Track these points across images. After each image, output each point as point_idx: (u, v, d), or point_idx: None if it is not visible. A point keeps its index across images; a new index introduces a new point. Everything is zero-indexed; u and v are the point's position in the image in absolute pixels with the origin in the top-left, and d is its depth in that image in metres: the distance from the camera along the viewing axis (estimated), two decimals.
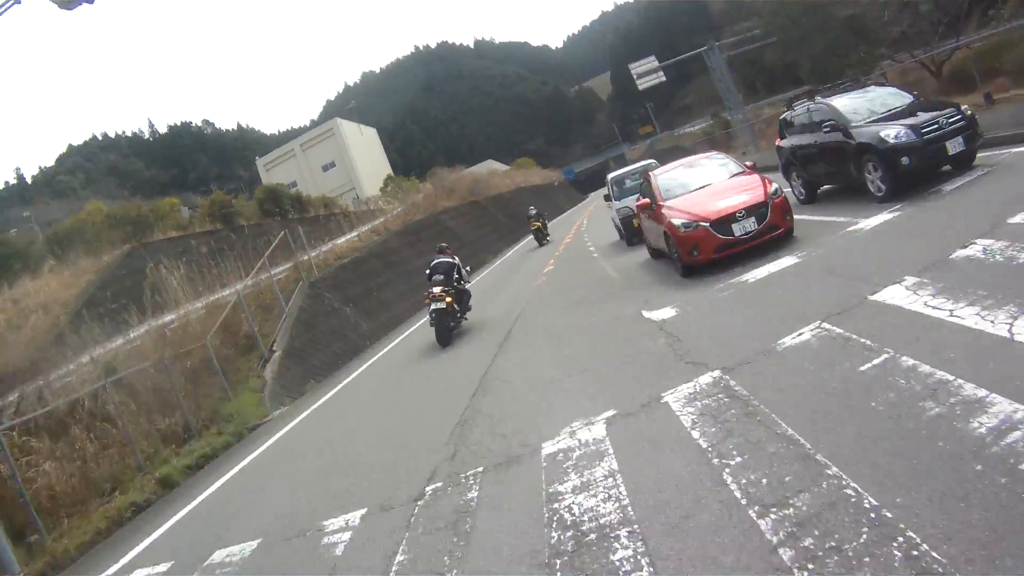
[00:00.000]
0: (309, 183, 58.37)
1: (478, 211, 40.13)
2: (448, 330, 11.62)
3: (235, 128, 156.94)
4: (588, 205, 61.52)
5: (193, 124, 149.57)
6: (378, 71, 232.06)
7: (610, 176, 17.29)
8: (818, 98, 11.37)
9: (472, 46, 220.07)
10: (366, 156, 69.34)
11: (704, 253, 8.95)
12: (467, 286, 12.80)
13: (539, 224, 30.10)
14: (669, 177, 11.02)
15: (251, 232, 24.94)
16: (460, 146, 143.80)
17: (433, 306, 11.40)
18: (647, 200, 10.92)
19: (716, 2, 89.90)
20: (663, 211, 9.90)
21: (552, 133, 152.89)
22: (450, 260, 12.44)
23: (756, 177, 9.76)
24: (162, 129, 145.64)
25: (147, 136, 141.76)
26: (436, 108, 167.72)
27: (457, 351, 11.35)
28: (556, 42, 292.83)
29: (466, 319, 12.72)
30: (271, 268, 18.49)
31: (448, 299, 11.45)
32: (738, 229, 8.84)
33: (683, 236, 9.10)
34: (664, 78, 39.25)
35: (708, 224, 8.91)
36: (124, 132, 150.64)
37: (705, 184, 10.22)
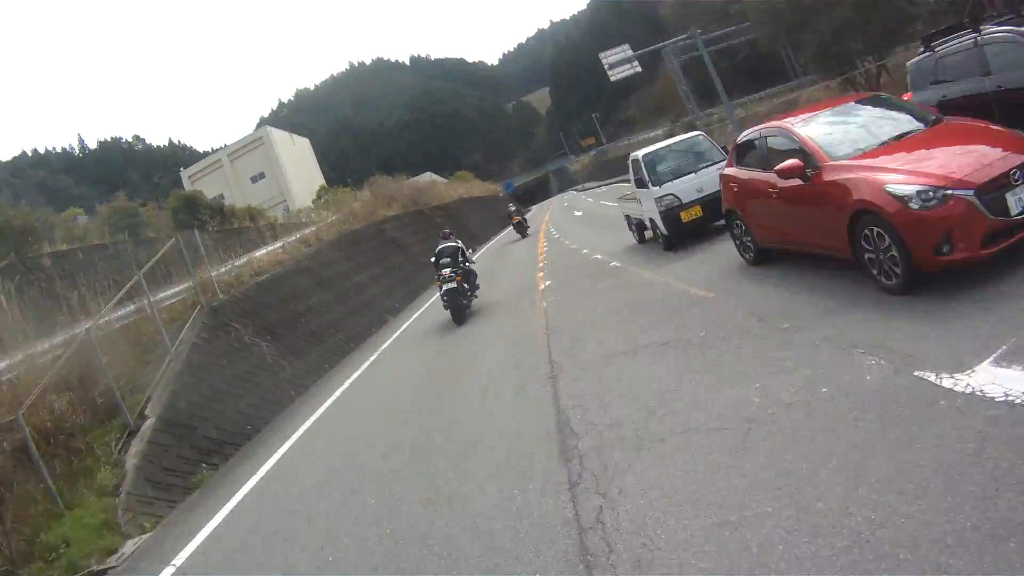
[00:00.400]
0: (237, 195, 52.21)
1: (423, 221, 35.39)
2: (461, 308, 12.06)
3: (167, 144, 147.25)
4: (540, 211, 57.07)
5: (124, 140, 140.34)
6: (312, 87, 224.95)
7: (639, 155, 12.46)
8: (992, 27, 7.28)
9: (408, 63, 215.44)
10: (298, 167, 63.37)
11: (967, 247, 4.69)
12: (472, 267, 13.19)
13: (519, 219, 34.08)
14: (825, 126, 6.45)
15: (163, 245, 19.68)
16: (395, 161, 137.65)
17: (445, 287, 11.98)
18: (794, 163, 6.10)
19: (665, 9, 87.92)
20: (851, 176, 5.44)
21: (490, 148, 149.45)
22: (454, 244, 13.03)
23: (980, 123, 5.46)
24: (92, 145, 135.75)
25: (77, 152, 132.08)
26: (371, 123, 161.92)
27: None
28: (492, 59, 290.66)
29: (476, 296, 13.03)
30: (159, 289, 13.25)
31: (457, 278, 11.86)
32: (1015, 204, 4.39)
33: (921, 217, 4.76)
34: (639, 68, 35.46)
35: (971, 193, 4.58)
36: (54, 148, 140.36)
37: (900, 134, 5.76)
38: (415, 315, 17.97)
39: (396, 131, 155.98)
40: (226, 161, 60.76)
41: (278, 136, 62.40)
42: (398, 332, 15.86)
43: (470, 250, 11.89)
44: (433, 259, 12.91)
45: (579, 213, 34.36)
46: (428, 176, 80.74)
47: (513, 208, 35.68)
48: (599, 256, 14.84)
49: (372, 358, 13.29)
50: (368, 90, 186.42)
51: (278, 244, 20.68)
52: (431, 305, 17.37)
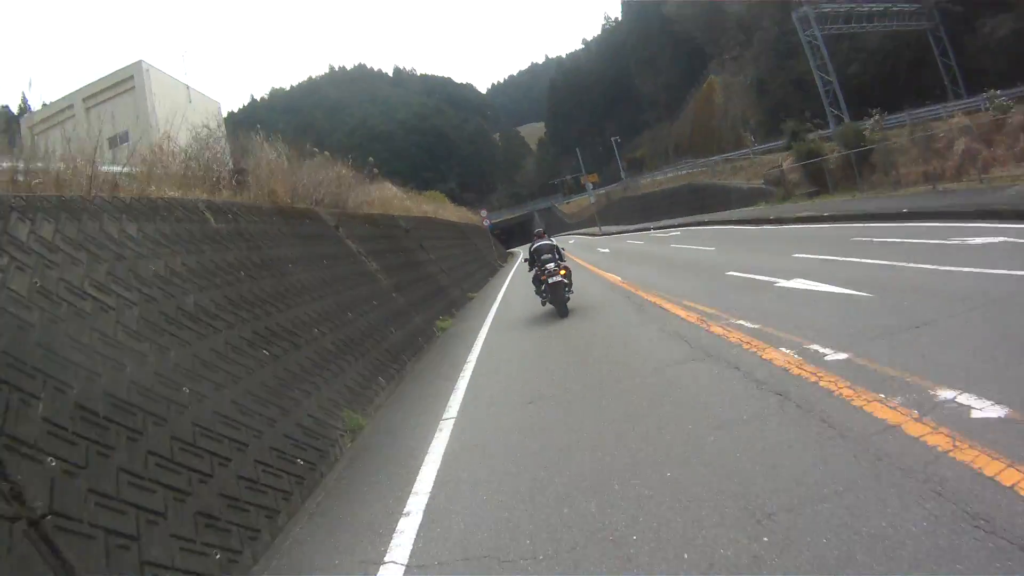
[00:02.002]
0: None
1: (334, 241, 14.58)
2: (564, 301, 11.79)
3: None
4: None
5: None
6: (288, 88, 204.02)
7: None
8: None
9: (390, 74, 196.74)
10: (189, 134, 41.90)
11: None
12: (568, 264, 12.42)
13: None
14: None
15: None
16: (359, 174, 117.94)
17: (551, 280, 11.82)
18: None
19: (700, 35, 70.15)
20: None
21: (468, 176, 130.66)
22: (550, 243, 12.78)
23: None
24: None
25: None
26: (341, 130, 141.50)
27: None
28: (481, 88, 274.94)
29: (573, 293, 12.17)
30: None
31: (562, 271, 11.76)
32: None
33: None
34: None
35: None
36: None
37: None
38: None
39: (365, 142, 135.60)
40: (80, 108, 39.11)
41: (159, 80, 41.25)
42: None
43: (563, 248, 12.68)
44: (529, 257, 12.72)
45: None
46: (388, 187, 60.89)
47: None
48: None
49: None
50: (345, 96, 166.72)
51: None
52: None
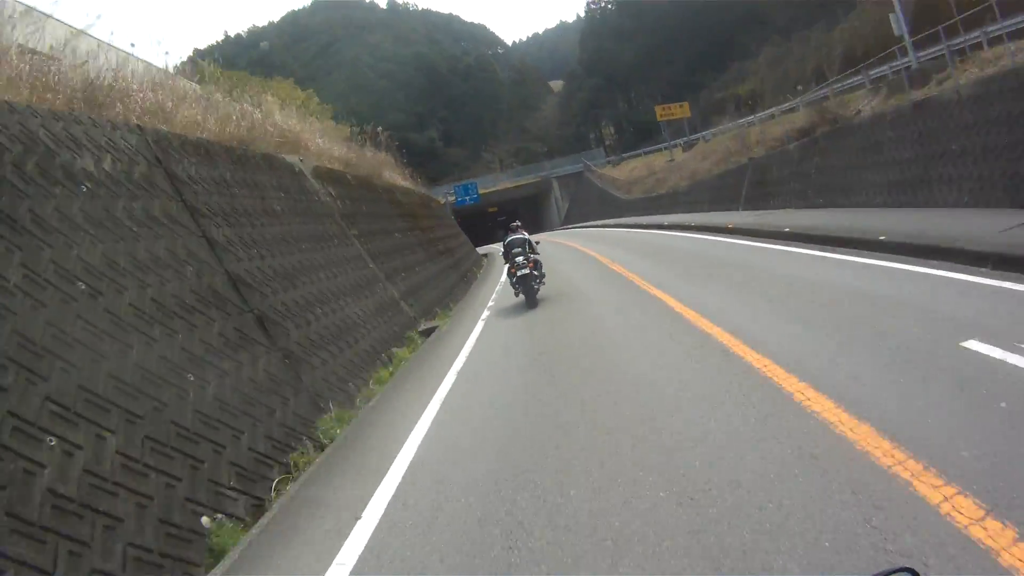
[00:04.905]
0: None
1: None
2: (534, 291, 12.94)
3: None
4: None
5: None
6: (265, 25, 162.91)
7: None
8: None
9: (384, 5, 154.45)
10: None
11: None
12: (538, 257, 13.63)
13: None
14: None
15: None
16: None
17: (519, 272, 12.83)
18: None
19: None
20: None
21: (458, 124, 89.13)
22: (523, 236, 13.59)
23: None
24: None
25: None
26: (304, 59, 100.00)
27: None
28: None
29: (544, 283, 13.58)
30: None
31: (530, 264, 12.77)
32: None
33: None
34: None
35: None
36: None
37: None
38: None
39: (330, 68, 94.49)
40: None
41: None
42: None
43: (536, 242, 13.71)
44: (503, 251, 13.62)
45: None
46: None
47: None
48: None
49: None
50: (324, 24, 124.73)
51: None
52: None
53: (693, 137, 44.66)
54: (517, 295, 13.23)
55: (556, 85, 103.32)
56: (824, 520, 2.97)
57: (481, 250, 42.27)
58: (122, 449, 3.85)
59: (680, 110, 42.76)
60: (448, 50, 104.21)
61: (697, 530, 3.13)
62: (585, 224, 46.05)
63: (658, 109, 41.47)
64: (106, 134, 5.82)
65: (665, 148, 43.27)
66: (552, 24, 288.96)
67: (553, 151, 75.16)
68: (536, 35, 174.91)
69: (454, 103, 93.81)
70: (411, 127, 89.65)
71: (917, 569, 1.32)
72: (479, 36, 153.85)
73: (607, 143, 73.27)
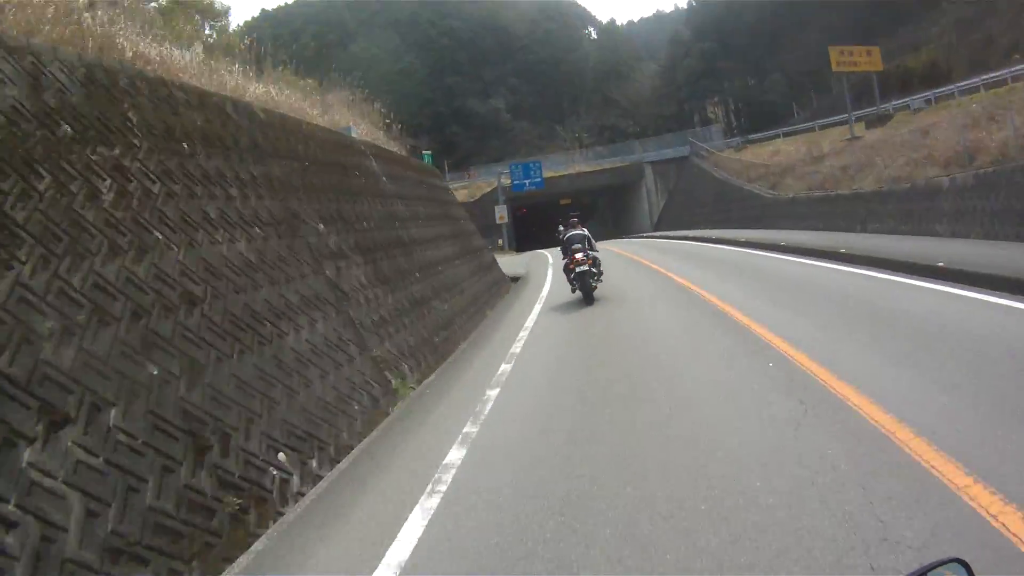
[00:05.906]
0: None
1: None
2: (591, 288, 12.92)
3: None
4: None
5: None
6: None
7: None
8: None
9: None
10: None
11: None
12: (597, 254, 13.69)
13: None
14: None
15: None
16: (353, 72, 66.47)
17: (578, 269, 12.75)
18: None
19: None
20: None
21: (530, 92, 75.73)
22: (582, 232, 13.61)
23: None
24: None
25: None
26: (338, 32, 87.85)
27: None
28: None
29: (601, 281, 13.62)
30: None
31: (588, 261, 12.69)
32: None
33: None
34: None
35: None
36: None
37: None
38: None
39: (384, 23, 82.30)
40: None
41: None
42: None
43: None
44: (561, 247, 13.81)
45: None
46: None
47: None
48: None
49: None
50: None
51: None
52: None
53: (894, 104, 29.73)
54: (574, 291, 13.37)
55: (648, 69, 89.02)
56: None
57: (537, 256, 32.26)
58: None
59: (867, 60, 27.93)
60: (526, 12, 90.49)
61: None
62: (688, 234, 31.00)
63: (833, 52, 26.62)
64: None
65: (847, 119, 28.66)
66: (648, 13, 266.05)
67: (647, 131, 60.50)
68: (631, 22, 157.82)
69: (528, 72, 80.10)
70: (473, 93, 76.46)
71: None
72: (569, 12, 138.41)
73: (716, 125, 58.19)
